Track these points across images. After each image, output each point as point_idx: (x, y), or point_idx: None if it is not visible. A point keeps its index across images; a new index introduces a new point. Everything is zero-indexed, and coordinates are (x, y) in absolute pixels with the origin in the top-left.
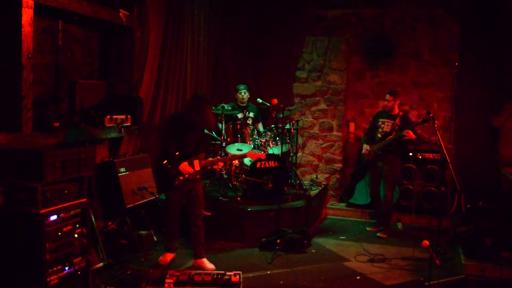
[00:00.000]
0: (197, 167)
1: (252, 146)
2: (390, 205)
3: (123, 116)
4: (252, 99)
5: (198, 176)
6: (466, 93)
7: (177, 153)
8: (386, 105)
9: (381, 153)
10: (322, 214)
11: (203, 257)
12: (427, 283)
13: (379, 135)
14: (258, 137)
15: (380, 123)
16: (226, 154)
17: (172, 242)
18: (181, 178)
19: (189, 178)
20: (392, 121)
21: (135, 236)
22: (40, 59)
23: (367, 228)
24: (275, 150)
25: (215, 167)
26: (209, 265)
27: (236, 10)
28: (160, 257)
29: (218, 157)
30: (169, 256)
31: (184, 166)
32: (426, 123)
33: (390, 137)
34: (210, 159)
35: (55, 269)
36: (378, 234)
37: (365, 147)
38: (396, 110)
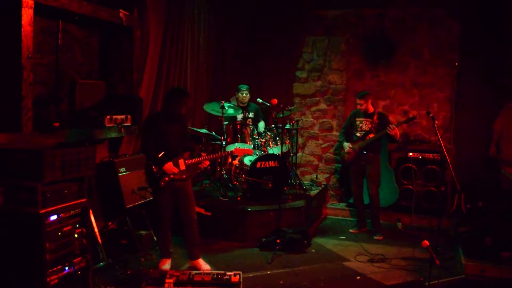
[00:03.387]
0: (182, 167)
1: (252, 146)
2: (378, 204)
3: (123, 116)
4: (252, 99)
5: (184, 176)
6: (466, 93)
7: (162, 153)
8: (360, 108)
9: (363, 152)
10: (322, 214)
11: (198, 258)
12: (427, 283)
13: (358, 134)
14: (258, 137)
15: (358, 122)
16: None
17: (167, 247)
18: (166, 178)
19: (175, 179)
20: (370, 119)
21: (135, 236)
22: (40, 59)
23: (350, 230)
24: (275, 150)
25: (200, 166)
26: (204, 265)
27: (236, 10)
28: (159, 264)
29: (204, 154)
30: (167, 261)
31: (169, 166)
32: (411, 121)
33: (371, 135)
34: (196, 158)
35: (55, 269)
36: (375, 237)
37: (348, 145)
38: (371, 109)
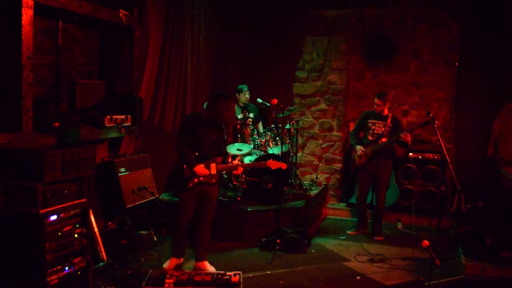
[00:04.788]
0: (214, 171)
1: (252, 146)
2: (383, 207)
3: (123, 116)
4: (252, 99)
5: (214, 180)
6: (466, 93)
7: (196, 154)
8: (376, 109)
9: (375, 156)
10: (322, 214)
11: (204, 260)
12: (427, 283)
13: (370, 137)
14: (258, 137)
15: (370, 124)
16: (227, 154)
17: (180, 247)
18: (195, 180)
19: (204, 182)
20: (384, 122)
21: (135, 236)
22: (40, 59)
23: (348, 232)
24: (275, 150)
25: (234, 172)
26: (210, 268)
27: (236, 10)
28: (168, 263)
29: (239, 162)
30: (175, 262)
31: (200, 168)
32: (427, 125)
33: (384, 140)
34: (230, 164)
35: (55, 269)
36: (375, 238)
37: (360, 148)
38: (386, 111)
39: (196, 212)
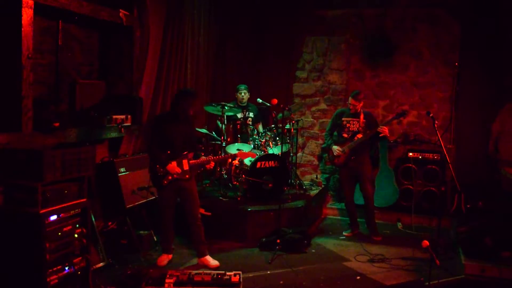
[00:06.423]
0: (186, 167)
1: (252, 146)
2: (373, 204)
3: (123, 116)
4: (252, 99)
5: (187, 176)
6: (466, 93)
7: (168, 152)
8: (351, 109)
9: (353, 153)
10: (322, 214)
11: (206, 255)
12: (427, 283)
13: (345, 135)
14: (258, 137)
15: (344, 122)
16: (226, 154)
17: (168, 243)
18: (169, 178)
19: (179, 178)
20: (357, 119)
21: (135, 236)
22: (40, 59)
23: (344, 233)
24: (275, 150)
25: (207, 166)
26: (213, 262)
27: (236, 11)
28: (158, 258)
29: (211, 156)
30: (166, 257)
31: (172, 167)
32: (401, 117)
33: (360, 136)
34: (202, 158)
35: (55, 269)
36: (374, 238)
37: (337, 148)
38: (359, 109)
39: (182, 211)
